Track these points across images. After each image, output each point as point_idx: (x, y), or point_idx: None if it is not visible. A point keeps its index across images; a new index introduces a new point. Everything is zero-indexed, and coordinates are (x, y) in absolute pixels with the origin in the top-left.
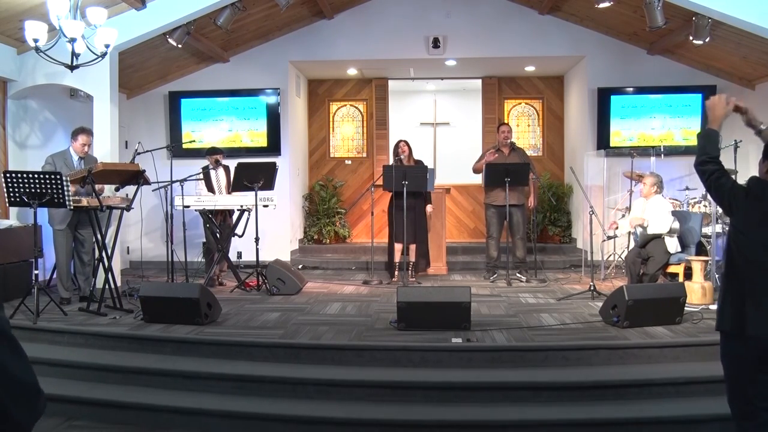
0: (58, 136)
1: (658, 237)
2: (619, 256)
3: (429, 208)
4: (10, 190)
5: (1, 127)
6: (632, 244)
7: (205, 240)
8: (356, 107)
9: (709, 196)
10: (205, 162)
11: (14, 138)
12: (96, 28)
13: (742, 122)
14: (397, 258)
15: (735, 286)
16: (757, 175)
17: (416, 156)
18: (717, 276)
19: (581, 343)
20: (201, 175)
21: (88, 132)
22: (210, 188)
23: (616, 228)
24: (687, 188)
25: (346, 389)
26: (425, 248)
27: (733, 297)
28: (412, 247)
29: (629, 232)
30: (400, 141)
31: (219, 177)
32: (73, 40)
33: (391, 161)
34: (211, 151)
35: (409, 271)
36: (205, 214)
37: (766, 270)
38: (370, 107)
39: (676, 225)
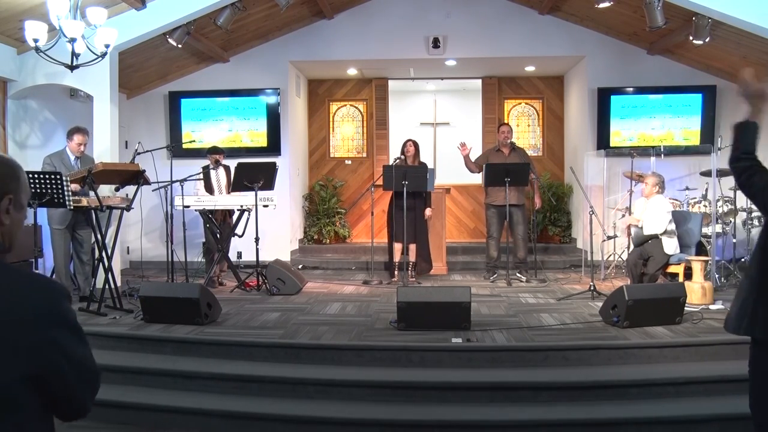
0: (58, 136)
1: (655, 237)
2: (619, 256)
3: (428, 211)
4: None
5: (1, 127)
6: (632, 245)
7: (205, 240)
8: (356, 107)
9: (709, 196)
10: (205, 161)
11: (14, 138)
12: (96, 28)
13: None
14: (397, 258)
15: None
16: None
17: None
18: (717, 276)
19: (581, 343)
20: (200, 175)
21: (84, 131)
22: (208, 188)
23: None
24: (687, 188)
25: (346, 389)
26: (426, 250)
27: (763, 300)
28: (412, 246)
29: (627, 226)
30: (408, 140)
31: (219, 177)
32: (73, 40)
33: (391, 161)
34: (212, 151)
35: (409, 271)
36: (205, 214)
37: None
38: (370, 107)
39: (672, 227)
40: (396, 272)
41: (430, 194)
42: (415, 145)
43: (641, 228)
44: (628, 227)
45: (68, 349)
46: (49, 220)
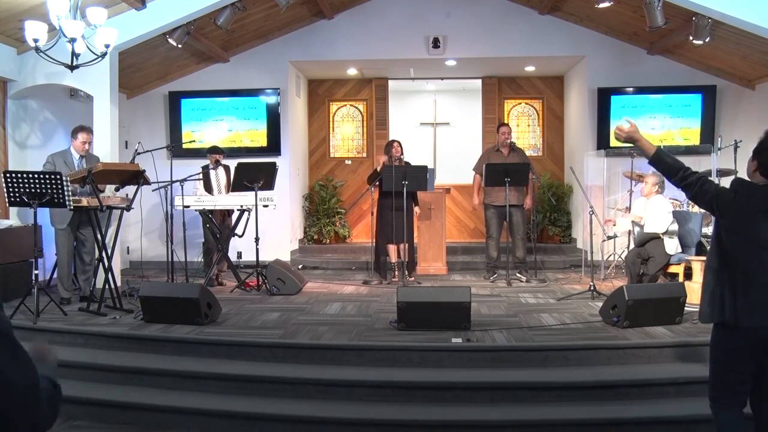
0: (58, 136)
1: (657, 237)
2: (619, 256)
3: (417, 210)
4: (10, 190)
5: (1, 127)
6: (632, 244)
7: (204, 240)
8: (356, 107)
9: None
10: (205, 161)
11: (14, 138)
12: (96, 28)
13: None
14: (394, 258)
15: (726, 280)
16: (746, 173)
17: (415, 156)
18: None
19: (581, 343)
20: (200, 175)
21: (88, 130)
22: (208, 188)
23: (614, 225)
24: None
25: (346, 389)
26: (413, 248)
27: (725, 290)
28: (405, 246)
29: (629, 231)
30: (394, 141)
31: (219, 176)
32: (73, 40)
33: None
34: (212, 150)
35: (404, 271)
36: (204, 214)
37: (759, 264)
38: (370, 107)
39: (674, 227)
40: (396, 272)
41: (416, 193)
42: (401, 144)
43: (643, 226)
44: (631, 221)
45: None
46: (51, 220)
